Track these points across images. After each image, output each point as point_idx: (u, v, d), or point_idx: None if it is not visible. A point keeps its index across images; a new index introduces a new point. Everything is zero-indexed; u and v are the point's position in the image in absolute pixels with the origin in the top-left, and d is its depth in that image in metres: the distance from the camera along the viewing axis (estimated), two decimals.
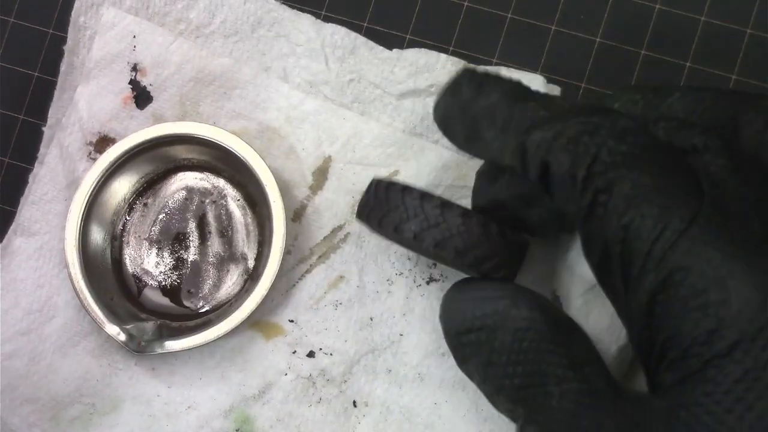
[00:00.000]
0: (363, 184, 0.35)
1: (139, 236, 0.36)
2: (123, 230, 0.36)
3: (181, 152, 0.35)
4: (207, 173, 0.36)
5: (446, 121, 0.27)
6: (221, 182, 0.36)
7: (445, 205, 0.27)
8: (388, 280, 0.34)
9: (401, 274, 0.34)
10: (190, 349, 0.33)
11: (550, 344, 0.23)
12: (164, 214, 0.36)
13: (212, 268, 0.35)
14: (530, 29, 0.36)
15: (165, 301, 0.36)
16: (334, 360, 0.34)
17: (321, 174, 0.35)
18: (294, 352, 0.34)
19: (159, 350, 0.33)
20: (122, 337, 0.33)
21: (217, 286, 0.35)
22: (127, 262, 0.36)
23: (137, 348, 0.33)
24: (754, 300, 0.19)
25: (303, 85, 0.35)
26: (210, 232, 0.36)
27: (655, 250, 0.21)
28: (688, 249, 0.20)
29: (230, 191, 0.36)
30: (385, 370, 0.34)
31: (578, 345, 0.23)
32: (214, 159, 0.35)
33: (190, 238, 0.36)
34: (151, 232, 0.36)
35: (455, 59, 0.34)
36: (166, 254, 0.36)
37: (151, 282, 0.36)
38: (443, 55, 0.34)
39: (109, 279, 0.35)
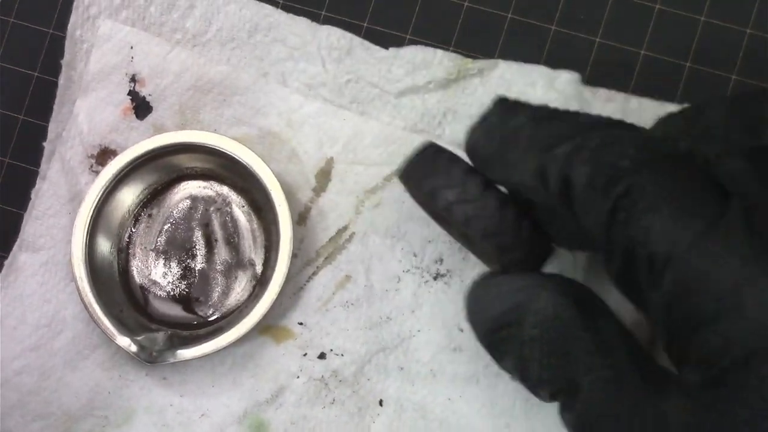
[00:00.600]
0: (366, 184, 0.35)
1: (146, 247, 0.36)
2: (129, 242, 0.36)
3: (184, 161, 0.35)
4: (210, 181, 0.36)
5: (474, 146, 0.26)
6: (225, 189, 0.36)
7: (489, 186, 0.26)
8: (395, 278, 0.34)
9: (408, 271, 0.34)
10: (201, 357, 0.33)
11: (577, 331, 0.22)
12: (169, 224, 0.36)
13: (220, 275, 0.36)
14: (530, 29, 0.36)
15: (174, 310, 0.36)
16: (345, 360, 0.34)
17: (324, 176, 0.35)
18: (305, 354, 0.35)
19: (171, 359, 0.33)
20: (133, 348, 0.33)
21: (225, 293, 0.35)
22: (135, 273, 0.36)
23: (149, 358, 0.33)
24: None
25: (301, 88, 0.36)
26: (216, 240, 0.36)
27: (675, 252, 0.20)
28: (708, 252, 0.20)
29: (234, 198, 0.36)
30: (397, 368, 0.34)
31: (607, 329, 0.23)
32: (216, 166, 0.36)
33: (197, 247, 0.36)
34: (157, 242, 0.36)
35: (452, 54, 0.35)
36: (173, 264, 0.36)
37: (159, 292, 0.36)
38: (440, 51, 0.35)
39: (117, 291, 0.35)
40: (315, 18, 0.36)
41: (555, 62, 0.34)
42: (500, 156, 0.25)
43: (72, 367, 0.35)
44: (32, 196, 0.37)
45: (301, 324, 0.35)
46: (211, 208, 0.36)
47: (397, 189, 0.35)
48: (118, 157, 0.34)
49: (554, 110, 0.25)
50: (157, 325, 0.35)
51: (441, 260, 0.34)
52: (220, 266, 0.36)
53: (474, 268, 0.34)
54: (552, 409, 0.24)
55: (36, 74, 0.38)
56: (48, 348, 0.35)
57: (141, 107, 0.36)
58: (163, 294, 0.36)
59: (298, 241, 0.35)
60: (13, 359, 0.35)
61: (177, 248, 0.36)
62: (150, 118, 0.36)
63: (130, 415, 0.35)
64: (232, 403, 0.35)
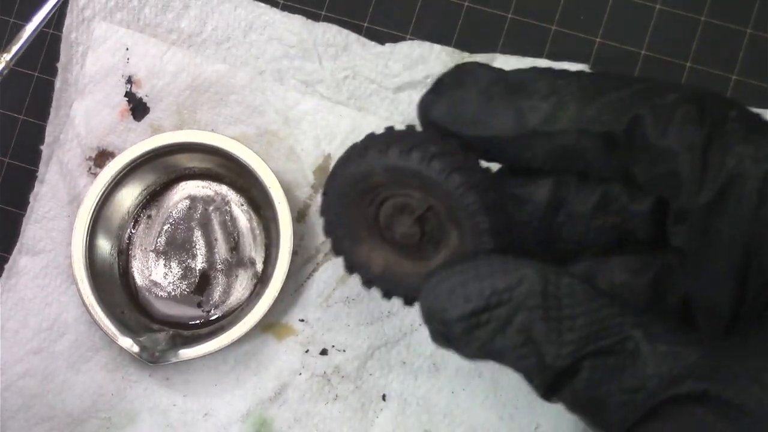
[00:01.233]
0: None
1: (146, 248, 0.36)
2: (129, 243, 0.36)
3: (182, 161, 0.36)
4: (209, 181, 0.36)
5: (456, 110, 0.22)
6: (224, 188, 0.36)
7: (470, 151, 0.22)
8: None
9: None
10: (204, 356, 0.33)
11: (601, 297, 0.19)
12: (169, 225, 0.36)
13: (221, 274, 0.36)
14: (530, 29, 0.36)
15: (176, 310, 0.36)
16: (347, 356, 0.34)
17: (322, 172, 0.35)
18: (307, 351, 0.35)
19: (173, 359, 0.33)
20: (136, 348, 0.33)
21: (227, 292, 0.36)
22: (136, 274, 0.36)
23: (151, 359, 0.33)
24: None
25: (298, 85, 0.36)
26: (216, 239, 0.36)
27: None
28: None
29: (233, 197, 0.36)
30: (400, 362, 0.34)
31: (621, 296, 0.20)
32: (215, 166, 0.36)
33: (197, 247, 0.36)
34: (157, 243, 0.36)
35: (449, 49, 0.35)
36: (173, 264, 0.36)
37: (160, 293, 0.36)
38: (437, 46, 0.35)
39: (118, 293, 0.35)
40: (315, 18, 0.36)
41: (555, 63, 0.34)
42: (506, 109, 0.21)
43: (75, 369, 0.35)
44: (31, 199, 0.37)
45: (302, 321, 0.35)
46: (211, 208, 0.36)
47: None
48: (116, 159, 0.34)
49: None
50: (159, 325, 0.35)
51: None
52: (221, 265, 0.36)
53: None
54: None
55: (36, 74, 0.38)
56: (50, 351, 0.35)
57: (138, 108, 0.36)
58: (165, 294, 0.36)
59: (298, 239, 0.35)
60: (16, 363, 0.35)
61: (177, 248, 0.36)
62: (147, 119, 0.36)
63: (133, 416, 0.35)
64: (235, 401, 0.35)
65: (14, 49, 0.27)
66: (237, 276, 0.36)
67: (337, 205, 0.23)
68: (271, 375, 0.35)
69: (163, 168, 0.36)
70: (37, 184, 0.37)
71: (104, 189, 0.34)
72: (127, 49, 0.36)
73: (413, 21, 0.36)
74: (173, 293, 0.36)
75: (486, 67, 0.22)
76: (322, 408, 0.34)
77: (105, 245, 0.35)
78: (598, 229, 0.23)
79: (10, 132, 0.38)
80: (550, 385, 0.19)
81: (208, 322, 0.35)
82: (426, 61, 0.35)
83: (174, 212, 0.36)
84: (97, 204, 0.34)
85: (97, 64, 0.36)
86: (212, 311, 0.36)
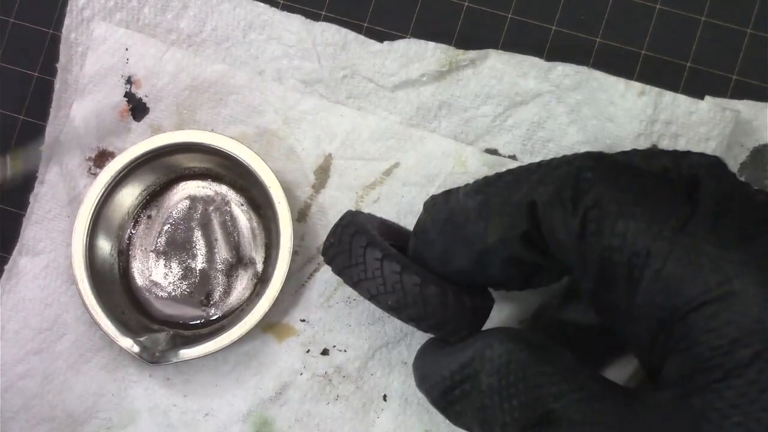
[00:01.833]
0: (365, 179, 0.35)
1: (146, 248, 0.36)
2: (129, 243, 0.36)
3: (182, 161, 0.35)
4: (209, 180, 0.36)
5: (423, 239, 0.27)
6: (224, 188, 0.36)
7: (405, 268, 0.26)
8: None
9: None
10: (204, 357, 0.33)
11: (536, 367, 0.22)
12: (169, 225, 0.36)
13: (221, 274, 0.36)
14: (530, 29, 0.36)
15: (176, 310, 0.36)
16: (348, 356, 0.34)
17: (323, 172, 0.35)
18: (308, 351, 0.35)
19: (174, 359, 0.33)
20: (136, 349, 0.33)
21: (227, 292, 0.35)
22: (136, 274, 0.36)
23: (152, 359, 0.33)
24: (759, 299, 0.19)
25: (298, 85, 0.36)
26: (216, 239, 0.36)
27: (654, 250, 0.21)
28: (689, 245, 0.20)
29: (233, 196, 0.36)
30: (401, 362, 0.34)
31: (562, 358, 0.23)
32: (215, 165, 0.36)
33: (197, 247, 0.36)
34: (157, 243, 0.36)
35: (444, 47, 0.35)
36: (174, 264, 0.36)
37: (161, 293, 0.36)
38: (432, 44, 0.35)
39: (118, 293, 0.35)
40: (315, 18, 0.36)
41: (555, 62, 0.34)
42: (455, 236, 0.26)
43: (75, 370, 0.35)
44: (31, 200, 0.37)
45: (303, 321, 0.35)
46: (211, 208, 0.36)
47: (396, 184, 0.35)
48: (116, 159, 0.34)
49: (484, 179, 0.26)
50: (159, 325, 0.35)
51: None
52: (221, 265, 0.36)
53: None
54: None
55: (36, 74, 0.38)
56: (50, 351, 0.35)
57: (138, 108, 0.36)
58: (165, 295, 0.36)
59: (299, 239, 0.35)
60: (16, 363, 0.35)
61: (177, 248, 0.36)
62: (147, 119, 0.36)
63: (134, 416, 0.35)
64: (236, 401, 0.35)
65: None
66: (237, 276, 0.36)
67: None
68: (272, 375, 0.35)
69: (163, 168, 0.35)
70: (37, 184, 0.37)
71: (104, 189, 0.34)
72: (127, 49, 0.36)
73: (413, 21, 0.36)
74: (173, 293, 0.36)
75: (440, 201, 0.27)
76: (323, 408, 0.34)
77: (105, 245, 0.35)
78: None
79: (10, 132, 0.38)
80: None
81: (208, 323, 0.35)
82: (422, 59, 0.35)
83: (174, 212, 0.36)
84: (97, 204, 0.34)
85: (97, 64, 0.36)
86: (212, 311, 0.35)
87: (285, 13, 0.36)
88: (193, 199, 0.36)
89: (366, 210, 0.35)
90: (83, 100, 0.36)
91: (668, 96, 0.33)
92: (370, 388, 0.34)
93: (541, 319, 0.31)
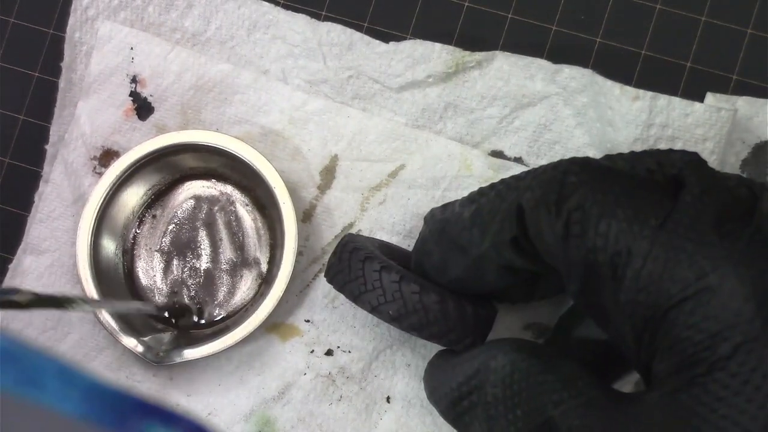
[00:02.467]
0: (371, 181, 0.35)
1: (150, 248, 0.36)
2: (134, 243, 0.36)
3: (187, 161, 0.35)
4: (214, 180, 0.36)
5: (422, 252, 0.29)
6: (229, 188, 0.36)
7: (404, 279, 0.27)
8: None
9: None
10: (208, 357, 0.33)
11: (537, 377, 0.23)
12: (174, 225, 0.36)
13: (226, 275, 0.36)
14: (530, 29, 0.36)
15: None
16: (352, 357, 0.34)
17: (328, 173, 0.35)
18: (312, 351, 0.35)
19: (177, 359, 0.33)
20: (140, 348, 0.33)
21: (231, 292, 0.35)
22: (140, 274, 0.36)
23: (156, 358, 0.33)
24: (737, 292, 0.20)
25: (303, 85, 0.35)
26: (221, 239, 0.36)
27: (635, 249, 0.21)
28: (667, 243, 0.21)
29: (238, 196, 0.36)
30: (405, 364, 0.34)
31: (564, 366, 0.23)
32: (219, 165, 0.35)
33: (202, 247, 0.36)
34: (161, 243, 0.36)
35: (450, 48, 0.35)
36: (178, 264, 0.36)
37: (165, 293, 0.36)
38: (438, 45, 0.35)
39: (122, 292, 0.35)
40: (315, 18, 0.36)
41: (555, 62, 0.34)
42: (451, 249, 0.27)
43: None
44: (35, 199, 0.36)
45: (308, 321, 0.35)
46: (215, 208, 0.36)
47: (401, 186, 0.35)
48: (121, 159, 0.34)
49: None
50: (164, 325, 0.35)
51: None
52: (226, 265, 0.36)
53: None
54: None
55: (36, 74, 0.38)
56: (55, 350, 0.35)
57: (143, 108, 0.36)
58: (169, 294, 0.36)
59: (304, 239, 0.35)
60: None
61: (182, 248, 0.36)
62: (152, 118, 0.36)
63: None
64: (239, 401, 0.35)
65: None
66: (242, 276, 0.36)
67: None
68: (275, 375, 0.35)
69: (167, 168, 0.35)
70: (41, 183, 0.37)
71: (109, 188, 0.34)
72: (132, 48, 0.36)
73: (413, 21, 0.36)
74: (177, 293, 0.36)
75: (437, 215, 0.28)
76: (326, 408, 0.34)
77: (110, 245, 0.35)
78: None
79: (10, 132, 0.38)
80: None
81: (212, 323, 0.35)
82: (428, 60, 0.34)
83: (179, 212, 0.36)
84: (101, 204, 0.34)
85: (102, 63, 0.36)
86: (217, 311, 0.35)
87: (290, 12, 0.36)
88: (197, 199, 0.36)
89: (372, 212, 0.35)
90: (88, 98, 0.36)
91: (663, 99, 0.32)
92: (373, 390, 0.34)
93: (556, 338, 0.31)
